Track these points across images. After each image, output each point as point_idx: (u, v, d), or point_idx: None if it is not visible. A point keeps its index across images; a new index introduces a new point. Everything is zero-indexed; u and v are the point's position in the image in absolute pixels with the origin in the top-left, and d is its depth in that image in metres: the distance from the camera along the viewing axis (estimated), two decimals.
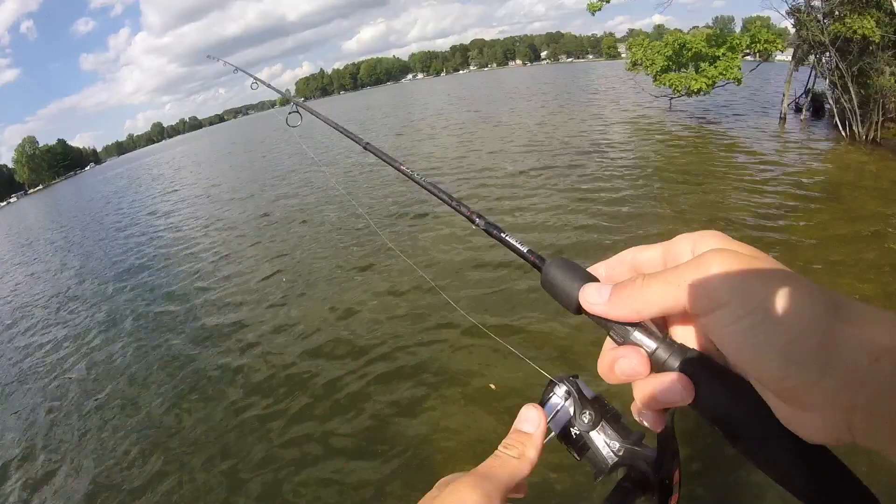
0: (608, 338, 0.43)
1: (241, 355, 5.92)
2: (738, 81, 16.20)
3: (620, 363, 0.40)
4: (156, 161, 59.08)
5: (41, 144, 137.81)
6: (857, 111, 11.71)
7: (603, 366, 0.42)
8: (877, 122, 11.48)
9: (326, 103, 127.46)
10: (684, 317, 0.40)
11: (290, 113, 1.12)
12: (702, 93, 16.44)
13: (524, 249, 0.52)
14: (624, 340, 0.41)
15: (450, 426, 4.16)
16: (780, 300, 0.32)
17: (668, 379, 0.38)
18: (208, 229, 12.97)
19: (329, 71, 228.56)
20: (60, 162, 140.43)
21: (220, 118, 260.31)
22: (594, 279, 0.44)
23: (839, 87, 12.16)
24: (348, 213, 11.14)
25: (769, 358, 0.33)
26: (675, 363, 0.39)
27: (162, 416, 5.10)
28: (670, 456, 0.44)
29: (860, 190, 8.59)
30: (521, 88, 45.98)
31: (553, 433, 0.46)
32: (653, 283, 0.38)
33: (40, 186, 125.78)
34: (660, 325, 0.43)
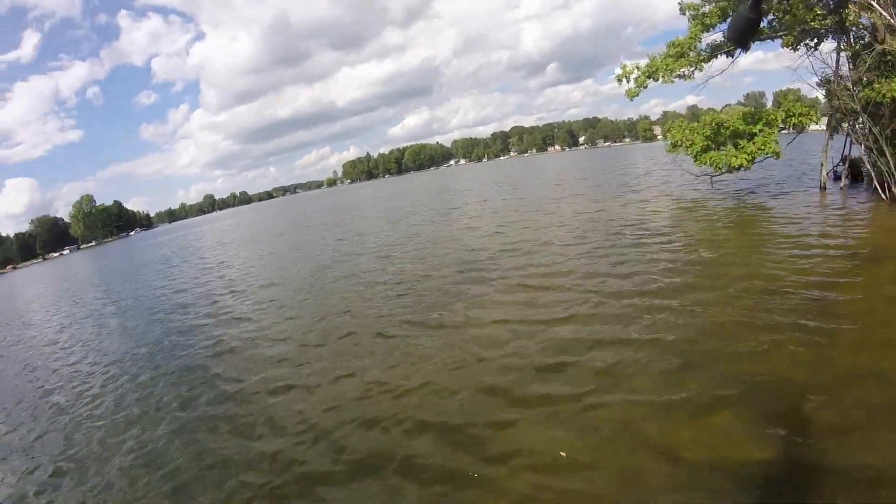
0: None
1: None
2: (777, 155, 16.67)
3: None
4: (202, 232, 62.30)
5: (98, 203, 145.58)
6: (895, 172, 12.04)
7: None
8: None
9: (373, 186, 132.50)
10: None
11: None
12: (742, 168, 16.95)
13: None
14: None
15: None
16: None
17: None
18: (248, 304, 13.05)
19: (375, 155, 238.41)
20: (115, 222, 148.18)
21: (269, 195, 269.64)
22: None
23: (875, 151, 12.62)
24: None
25: None
26: None
27: None
28: None
29: None
30: (563, 174, 46.95)
31: None
32: None
33: (93, 243, 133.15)
34: None
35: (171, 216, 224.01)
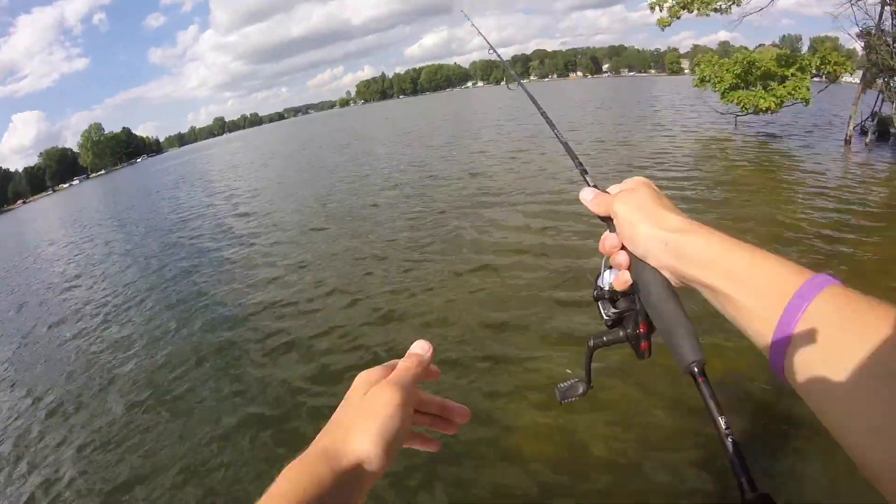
0: (607, 230, 0.70)
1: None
2: (807, 102, 16.40)
3: (606, 241, 0.68)
4: (210, 156, 62.16)
5: (107, 131, 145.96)
6: None
7: (601, 242, 0.69)
8: None
9: (386, 106, 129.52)
10: None
11: (509, 87, 1.52)
12: (769, 112, 16.75)
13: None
14: (612, 231, 0.68)
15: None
16: (633, 215, 0.63)
17: (623, 254, 0.66)
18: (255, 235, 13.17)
19: (390, 75, 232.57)
20: (124, 149, 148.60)
21: (280, 116, 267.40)
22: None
23: None
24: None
25: (627, 240, 0.65)
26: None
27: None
28: (635, 314, 0.69)
29: None
30: (584, 102, 45.75)
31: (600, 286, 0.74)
32: (602, 199, 0.69)
33: (102, 171, 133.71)
34: None
35: (181, 140, 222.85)
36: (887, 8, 13.28)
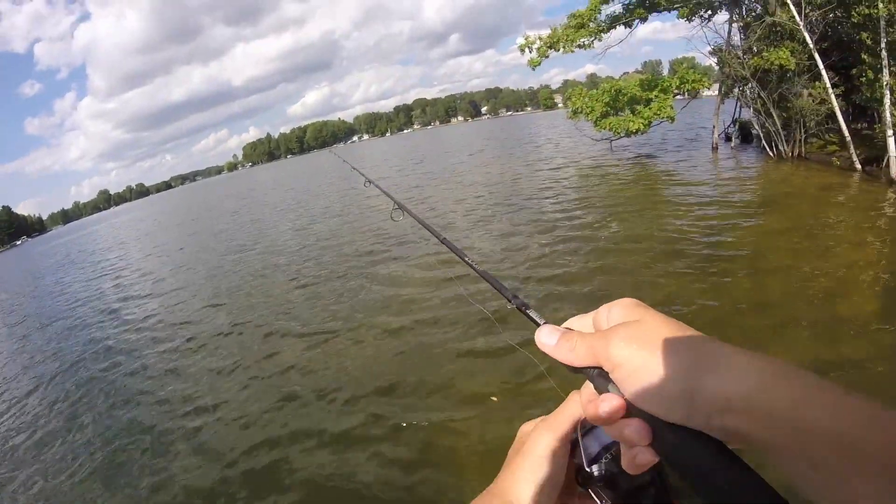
0: (588, 383, 0.49)
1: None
2: (672, 119, 17.60)
3: (603, 405, 0.45)
4: (97, 232, 57.03)
5: None
6: (781, 132, 13.07)
7: (588, 407, 0.47)
8: (800, 140, 12.83)
9: (275, 168, 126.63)
10: None
11: (393, 210, 1.34)
12: (639, 132, 17.75)
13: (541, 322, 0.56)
14: (603, 389, 0.47)
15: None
16: (654, 360, 0.42)
17: (640, 424, 0.44)
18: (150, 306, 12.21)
19: (276, 135, 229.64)
20: (5, 230, 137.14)
21: (167, 185, 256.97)
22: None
23: (763, 114, 13.57)
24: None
25: (647, 401, 0.42)
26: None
27: None
28: (659, 492, 0.50)
29: (791, 199, 9.58)
30: (467, 145, 46.95)
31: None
32: (580, 342, 0.48)
33: None
34: None
35: (66, 217, 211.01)
36: (734, 25, 14.63)
